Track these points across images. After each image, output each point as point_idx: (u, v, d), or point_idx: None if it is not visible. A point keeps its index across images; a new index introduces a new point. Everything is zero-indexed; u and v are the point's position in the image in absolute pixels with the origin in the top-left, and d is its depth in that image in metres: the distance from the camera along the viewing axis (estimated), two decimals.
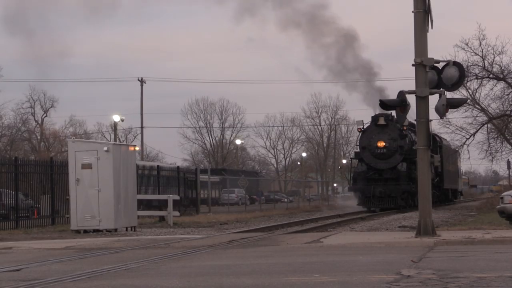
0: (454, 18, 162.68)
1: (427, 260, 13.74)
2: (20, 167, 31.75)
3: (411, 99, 20.06)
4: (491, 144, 53.25)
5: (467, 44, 49.59)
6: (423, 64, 19.61)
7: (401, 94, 19.96)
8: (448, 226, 26.32)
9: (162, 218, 34.95)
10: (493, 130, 53.48)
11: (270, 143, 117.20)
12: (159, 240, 21.41)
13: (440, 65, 19.98)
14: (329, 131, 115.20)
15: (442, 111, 19.66)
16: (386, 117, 47.38)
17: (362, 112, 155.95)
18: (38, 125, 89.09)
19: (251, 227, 30.64)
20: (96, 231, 26.24)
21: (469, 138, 53.01)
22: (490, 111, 52.45)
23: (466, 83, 48.95)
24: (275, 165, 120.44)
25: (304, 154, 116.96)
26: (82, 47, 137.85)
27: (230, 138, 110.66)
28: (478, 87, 51.35)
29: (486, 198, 62.03)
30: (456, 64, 20.33)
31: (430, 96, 19.87)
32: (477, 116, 52.74)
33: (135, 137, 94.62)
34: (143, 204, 39.25)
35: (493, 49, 49.59)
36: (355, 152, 49.36)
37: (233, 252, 17.08)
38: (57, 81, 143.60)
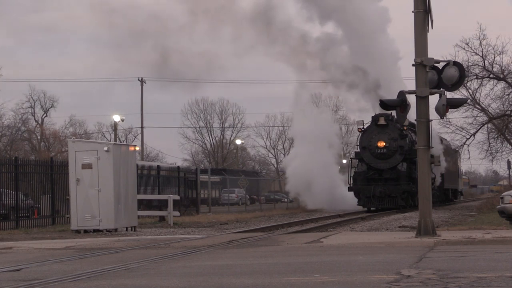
0: (454, 18, 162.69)
1: (427, 260, 13.74)
2: (20, 167, 31.73)
3: (411, 99, 20.08)
4: (491, 144, 53.24)
5: (467, 44, 49.66)
6: (423, 64, 19.61)
7: (401, 94, 19.96)
8: (448, 226, 26.32)
9: (162, 218, 34.93)
10: (493, 130, 53.45)
11: (270, 143, 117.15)
12: (159, 240, 21.41)
13: (440, 65, 19.99)
14: None
15: (442, 111, 19.67)
16: (386, 117, 47.37)
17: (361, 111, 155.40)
18: (38, 125, 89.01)
19: (251, 227, 30.64)
20: (96, 231, 26.25)
21: (469, 138, 53.00)
22: (490, 111, 52.43)
23: (466, 83, 48.97)
24: (275, 165, 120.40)
25: None
26: (82, 46, 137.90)
27: (230, 138, 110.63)
28: (478, 87, 51.41)
29: (486, 198, 61.98)
30: (456, 64, 20.33)
31: (430, 96, 19.89)
32: (477, 116, 52.74)
33: (135, 137, 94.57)
34: (143, 204, 39.24)
35: (493, 49, 49.66)
36: (355, 152, 49.31)
37: (233, 252, 17.08)
38: (57, 81, 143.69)
